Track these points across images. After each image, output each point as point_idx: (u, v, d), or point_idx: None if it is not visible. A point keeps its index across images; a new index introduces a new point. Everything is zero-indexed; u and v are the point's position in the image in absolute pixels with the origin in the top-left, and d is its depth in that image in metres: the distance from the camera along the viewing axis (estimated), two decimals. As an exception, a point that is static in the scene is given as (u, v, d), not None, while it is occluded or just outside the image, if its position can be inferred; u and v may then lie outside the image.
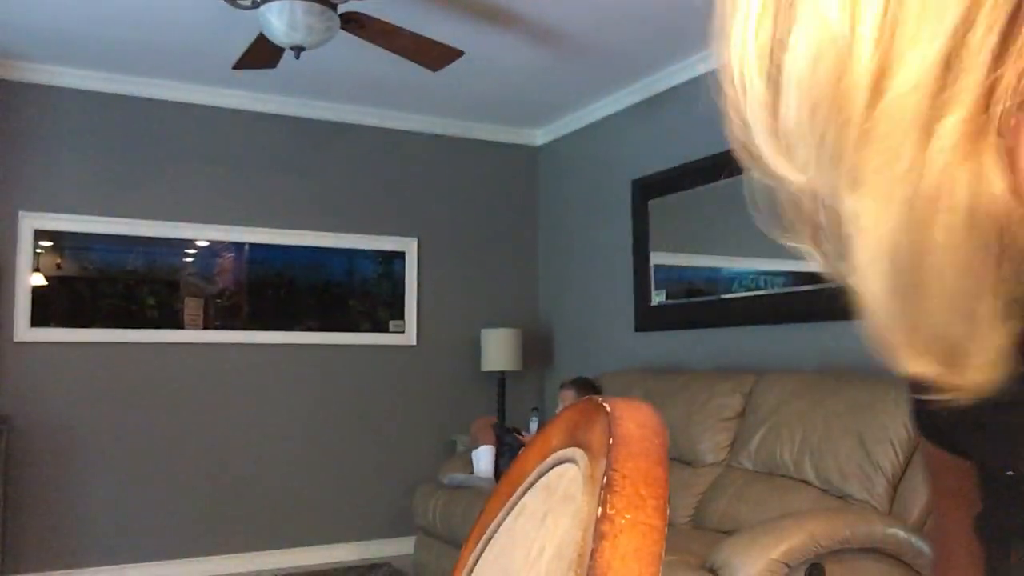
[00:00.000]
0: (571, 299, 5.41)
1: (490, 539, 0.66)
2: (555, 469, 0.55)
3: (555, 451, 0.56)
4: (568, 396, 4.30)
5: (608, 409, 0.48)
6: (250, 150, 4.96)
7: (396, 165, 5.35)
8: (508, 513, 0.63)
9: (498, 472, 4.19)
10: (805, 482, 3.05)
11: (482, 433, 4.33)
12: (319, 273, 5.16)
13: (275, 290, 5.05)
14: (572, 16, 3.86)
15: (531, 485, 0.60)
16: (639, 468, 0.43)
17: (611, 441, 0.44)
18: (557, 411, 4.30)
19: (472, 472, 4.24)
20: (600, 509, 0.40)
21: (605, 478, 0.42)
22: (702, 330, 4.33)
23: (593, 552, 0.39)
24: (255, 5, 3.07)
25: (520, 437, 4.38)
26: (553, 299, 5.60)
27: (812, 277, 3.90)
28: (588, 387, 4.38)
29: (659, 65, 4.49)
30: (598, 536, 0.39)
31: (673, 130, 4.58)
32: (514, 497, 0.62)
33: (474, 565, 0.67)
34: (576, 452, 0.52)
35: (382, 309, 5.29)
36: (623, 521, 0.40)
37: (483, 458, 4.23)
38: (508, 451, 4.25)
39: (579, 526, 0.44)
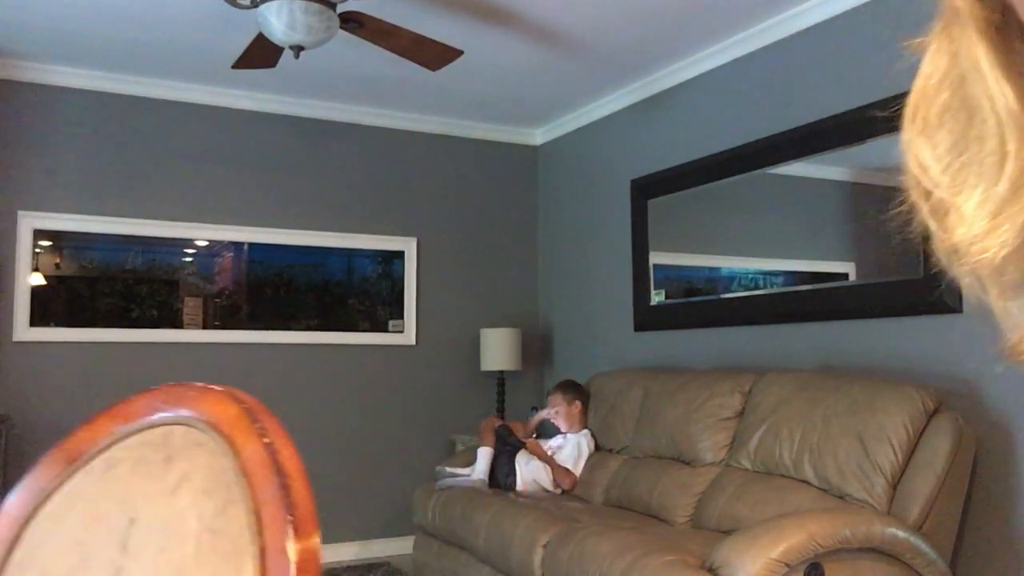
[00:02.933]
0: (570, 299, 5.41)
1: (50, 496, 0.78)
2: (153, 430, 0.76)
3: (137, 420, 0.78)
4: (556, 399, 4.41)
5: (217, 389, 0.72)
6: (249, 150, 4.95)
7: (395, 165, 5.35)
8: (79, 471, 0.78)
9: (493, 475, 4.21)
10: (804, 482, 3.05)
11: (485, 434, 4.36)
12: (318, 273, 5.16)
13: (274, 289, 5.04)
14: (572, 16, 3.86)
15: (108, 447, 0.78)
16: (266, 417, 0.68)
17: (244, 406, 0.69)
18: (548, 411, 4.42)
19: (473, 466, 4.27)
20: (266, 440, 0.66)
21: (258, 426, 0.67)
22: (701, 330, 4.33)
23: (274, 463, 0.64)
24: (254, 4, 3.07)
25: (522, 438, 4.39)
26: (552, 299, 5.60)
27: (812, 277, 3.91)
28: (574, 389, 4.43)
29: (658, 65, 4.49)
30: (273, 452, 0.65)
31: (672, 130, 4.58)
32: (84, 458, 0.78)
33: (27, 522, 0.77)
34: (180, 416, 0.74)
35: (381, 309, 5.29)
36: (276, 443, 0.66)
37: (481, 459, 4.26)
38: (507, 453, 4.27)
39: (226, 456, 0.67)
